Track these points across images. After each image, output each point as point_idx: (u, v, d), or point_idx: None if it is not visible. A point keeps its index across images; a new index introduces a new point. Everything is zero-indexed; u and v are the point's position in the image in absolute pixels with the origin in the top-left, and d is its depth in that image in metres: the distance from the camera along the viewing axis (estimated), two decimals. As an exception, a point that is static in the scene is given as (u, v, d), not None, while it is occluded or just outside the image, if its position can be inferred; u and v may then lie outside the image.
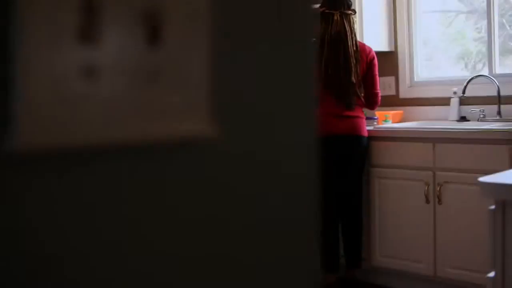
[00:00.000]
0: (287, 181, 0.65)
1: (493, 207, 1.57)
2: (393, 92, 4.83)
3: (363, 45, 3.96)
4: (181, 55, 0.53)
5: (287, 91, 0.65)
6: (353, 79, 3.80)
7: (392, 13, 4.78)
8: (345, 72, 3.79)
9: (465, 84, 4.14)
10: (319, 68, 3.82)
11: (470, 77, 4.16)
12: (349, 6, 3.91)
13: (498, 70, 4.32)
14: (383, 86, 4.81)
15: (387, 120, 4.43)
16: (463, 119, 4.32)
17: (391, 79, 4.83)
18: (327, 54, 3.80)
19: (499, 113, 4.15)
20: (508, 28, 4.10)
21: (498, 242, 1.54)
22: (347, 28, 3.84)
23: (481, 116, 4.23)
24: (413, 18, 4.74)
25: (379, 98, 4.01)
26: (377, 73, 3.98)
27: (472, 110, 4.27)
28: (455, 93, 4.39)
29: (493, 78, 4.16)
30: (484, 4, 4.24)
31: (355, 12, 3.94)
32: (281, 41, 0.64)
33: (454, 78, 4.49)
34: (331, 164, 3.87)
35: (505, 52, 4.18)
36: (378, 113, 4.54)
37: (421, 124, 4.33)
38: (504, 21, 4.12)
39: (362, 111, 3.97)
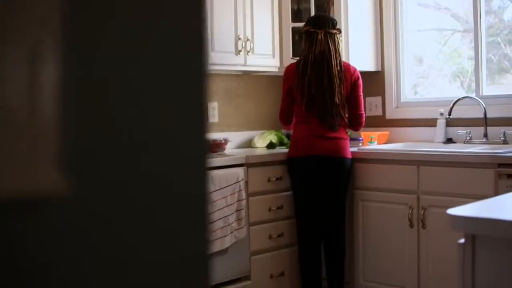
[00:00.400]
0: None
1: (462, 240, 1.48)
2: (379, 113, 4.75)
3: (348, 65, 3.89)
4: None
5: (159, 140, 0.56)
6: (337, 99, 3.73)
7: (379, 33, 4.72)
8: (329, 92, 3.72)
9: (451, 105, 4.06)
10: (302, 88, 3.74)
11: (456, 99, 4.08)
12: (333, 25, 3.84)
13: (485, 91, 4.25)
14: (370, 106, 4.74)
15: (372, 141, 4.35)
16: (449, 141, 4.24)
17: (377, 100, 4.76)
18: (311, 74, 3.73)
19: (485, 135, 4.08)
20: (504, 47, 4.02)
21: (467, 277, 1.45)
22: (332, 47, 3.77)
23: (468, 138, 4.15)
24: (400, 38, 4.67)
25: (364, 119, 3.92)
26: (361, 93, 3.90)
27: (458, 132, 4.20)
28: (441, 114, 4.31)
29: (480, 100, 4.09)
30: (491, 22, 4.16)
31: (340, 32, 3.87)
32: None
33: (442, 99, 4.42)
34: (313, 185, 3.78)
35: (500, 71, 4.11)
36: (363, 134, 4.46)
37: (406, 146, 4.25)
38: (499, 40, 4.04)
39: (346, 133, 3.88)
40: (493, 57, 4.09)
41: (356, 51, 4.50)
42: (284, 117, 3.96)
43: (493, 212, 1.50)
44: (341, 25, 4.36)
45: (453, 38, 4.31)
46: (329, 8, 4.53)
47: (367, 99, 4.79)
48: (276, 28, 4.39)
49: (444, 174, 3.55)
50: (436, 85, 4.52)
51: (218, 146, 4.13)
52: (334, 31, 3.82)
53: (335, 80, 3.73)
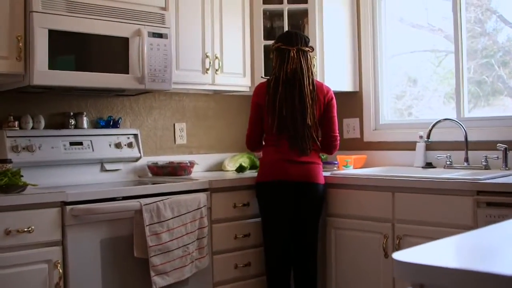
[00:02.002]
0: None
1: (411, 289, 1.24)
2: (357, 135, 4.52)
3: (321, 84, 3.66)
4: None
5: None
6: (309, 121, 3.49)
7: (357, 52, 4.51)
8: (300, 113, 3.49)
9: (430, 128, 3.84)
10: (273, 109, 3.51)
11: (435, 121, 3.85)
12: (306, 42, 3.61)
13: (467, 114, 4.03)
14: (347, 128, 4.52)
15: (347, 166, 4.11)
16: (428, 165, 4.01)
17: (355, 121, 4.54)
18: (282, 93, 3.50)
19: (466, 160, 3.85)
20: (497, 68, 3.82)
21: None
22: (304, 65, 3.54)
23: (448, 162, 3.92)
24: (379, 57, 4.46)
25: (338, 142, 3.69)
26: (335, 114, 3.67)
27: (438, 156, 3.97)
28: (421, 137, 4.09)
29: (460, 123, 3.86)
30: (474, 44, 3.98)
31: (312, 49, 3.65)
32: None
33: (422, 121, 4.20)
34: (283, 212, 3.54)
35: (494, 92, 3.92)
36: (339, 157, 4.22)
37: (382, 170, 4.01)
38: (493, 61, 3.85)
39: (319, 157, 3.65)
40: (486, 79, 3.88)
41: (332, 70, 4.28)
42: (252, 141, 3.71)
43: (445, 257, 1.26)
44: (316, 43, 4.15)
45: (446, 59, 4.11)
46: (304, 26, 4.32)
47: (344, 120, 4.57)
48: (247, 46, 4.17)
49: (421, 202, 3.31)
50: (432, 107, 4.28)
51: (183, 170, 3.88)
52: (307, 48, 3.59)
53: (307, 100, 3.50)
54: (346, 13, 4.45)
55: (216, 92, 4.40)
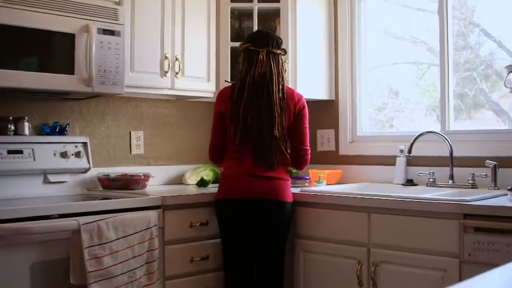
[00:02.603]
0: None
1: None
2: (332, 148, 4.15)
3: (292, 91, 3.28)
4: None
5: None
6: (276, 132, 3.11)
7: (334, 57, 4.14)
8: (267, 123, 3.10)
9: (411, 141, 3.47)
10: (235, 117, 3.12)
11: (417, 134, 3.48)
12: (278, 44, 3.24)
13: (452, 126, 3.67)
14: (322, 140, 4.15)
15: (320, 181, 3.73)
16: (409, 182, 3.64)
17: (330, 133, 4.16)
18: (247, 100, 3.12)
19: (451, 177, 3.48)
20: (479, 82, 3.59)
21: None
22: (274, 70, 3.16)
23: (431, 180, 3.55)
24: (357, 63, 4.09)
25: (308, 156, 3.31)
26: (306, 125, 3.29)
27: (420, 172, 3.59)
28: (401, 151, 3.72)
29: (445, 136, 3.50)
30: (457, 57, 3.71)
31: (285, 52, 3.27)
32: None
33: (404, 133, 3.83)
34: (245, 233, 3.14)
35: (476, 105, 3.68)
36: (311, 172, 3.84)
37: (358, 187, 3.64)
38: (475, 74, 3.59)
39: (287, 172, 3.26)
40: (469, 92, 3.58)
41: (306, 76, 3.91)
42: (215, 153, 3.33)
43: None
44: (289, 46, 3.78)
45: (429, 72, 3.88)
46: (275, 27, 3.94)
47: (318, 131, 4.19)
48: (212, 47, 3.79)
49: (400, 224, 2.94)
50: (413, 120, 4.00)
51: (136, 183, 3.48)
52: (279, 51, 3.21)
53: (276, 108, 3.12)
54: (322, 15, 4.08)
55: (178, 98, 4.01)
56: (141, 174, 3.52)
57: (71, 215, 2.76)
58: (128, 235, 2.87)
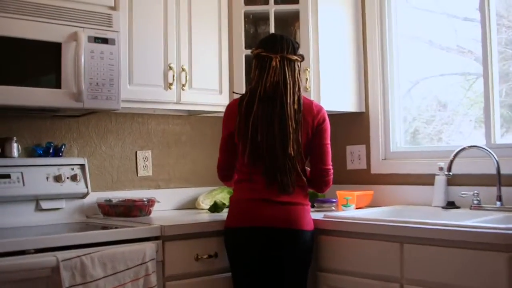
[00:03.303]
0: None
1: None
2: (363, 166, 3.70)
3: (310, 102, 2.86)
4: None
5: None
6: (291, 150, 2.69)
7: (363, 64, 3.70)
8: (281, 140, 2.69)
9: (451, 158, 3.00)
10: (244, 134, 2.71)
11: (458, 149, 3.01)
12: (294, 49, 2.82)
13: (499, 140, 3.19)
14: (351, 157, 3.72)
15: (348, 205, 3.27)
16: (450, 205, 3.17)
17: (360, 149, 3.72)
18: (257, 114, 2.70)
19: (499, 198, 3.00)
20: None
21: None
22: (289, 78, 2.74)
23: (475, 202, 3.07)
24: (389, 70, 3.65)
25: (331, 176, 2.88)
26: (328, 141, 2.87)
27: (463, 193, 3.11)
28: (441, 169, 3.26)
29: (491, 151, 3.02)
30: (506, 67, 3.30)
31: (302, 58, 2.85)
32: None
33: (444, 149, 3.37)
34: (259, 266, 2.72)
35: None
36: (339, 193, 3.40)
37: (391, 212, 3.19)
38: None
39: (306, 195, 2.83)
40: None
41: (330, 87, 3.48)
42: (224, 172, 2.94)
43: None
44: (310, 53, 3.38)
45: (477, 83, 3.45)
46: (295, 32, 3.54)
47: (348, 148, 3.76)
48: (224, 55, 3.40)
49: (438, 257, 2.47)
50: (462, 132, 3.59)
51: (139, 209, 3.10)
52: (295, 57, 2.80)
53: (290, 123, 2.70)
54: (347, 17, 3.66)
55: (191, 113, 3.63)
56: (145, 199, 3.13)
57: (50, 249, 2.38)
58: (119, 272, 2.48)
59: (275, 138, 2.68)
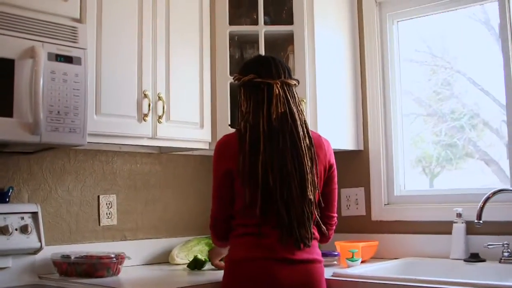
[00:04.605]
0: None
1: None
2: (362, 212, 3.23)
3: (318, 136, 2.39)
4: None
5: None
6: (310, 194, 2.19)
7: (361, 98, 3.27)
8: (298, 183, 2.18)
9: (480, 204, 2.55)
10: (251, 178, 2.17)
11: (490, 193, 2.58)
12: (289, 73, 2.35)
13: None
14: (347, 202, 3.25)
15: (354, 259, 2.77)
16: (474, 257, 2.71)
17: (359, 192, 3.25)
18: (265, 153, 2.18)
19: (534, 250, 2.57)
20: (469, 131, 3.00)
21: None
22: (294, 108, 2.26)
23: (505, 254, 2.63)
24: (391, 102, 3.21)
25: (335, 226, 2.43)
26: (336, 186, 2.41)
27: (490, 244, 2.66)
28: (459, 215, 2.81)
29: (524, 195, 2.60)
30: (443, 107, 3.05)
31: (298, 83, 2.36)
32: None
33: (459, 192, 2.94)
34: None
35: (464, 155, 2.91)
36: (339, 245, 2.90)
37: (404, 266, 2.73)
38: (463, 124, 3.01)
39: (319, 249, 2.32)
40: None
41: (327, 121, 3.02)
42: (222, 229, 2.33)
43: None
44: (306, 80, 2.94)
45: (416, 123, 3.21)
46: (287, 57, 3.07)
47: (344, 191, 3.30)
48: (206, 83, 2.90)
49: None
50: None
51: (105, 268, 2.51)
52: (293, 81, 2.32)
53: (306, 161, 2.20)
54: (344, 41, 3.22)
55: (162, 151, 3.10)
56: (113, 255, 2.55)
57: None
58: None
59: (291, 181, 2.17)
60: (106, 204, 2.90)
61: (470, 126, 3.04)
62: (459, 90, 3.06)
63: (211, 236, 2.39)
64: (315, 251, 2.24)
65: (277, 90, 2.24)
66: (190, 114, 2.83)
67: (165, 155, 3.15)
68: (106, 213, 2.90)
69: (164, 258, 3.03)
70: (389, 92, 3.21)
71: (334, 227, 2.42)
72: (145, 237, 3.03)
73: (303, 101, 2.87)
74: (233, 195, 2.24)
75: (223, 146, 2.28)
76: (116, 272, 2.56)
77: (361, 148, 3.23)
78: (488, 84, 2.96)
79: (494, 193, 2.57)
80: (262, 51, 2.93)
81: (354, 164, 3.26)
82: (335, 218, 2.42)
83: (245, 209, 2.19)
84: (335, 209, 2.41)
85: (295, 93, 2.31)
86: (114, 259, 2.54)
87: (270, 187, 2.15)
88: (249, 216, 2.19)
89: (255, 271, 2.15)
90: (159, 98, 2.68)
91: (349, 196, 3.27)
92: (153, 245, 3.04)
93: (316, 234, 2.27)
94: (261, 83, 2.27)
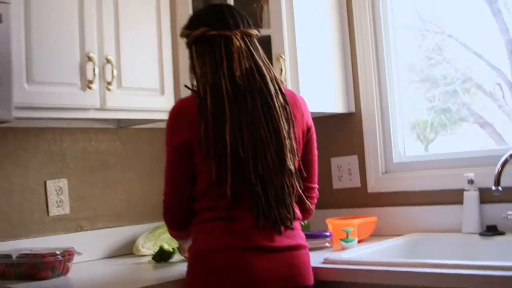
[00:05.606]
0: None
1: None
2: (356, 183, 2.80)
3: (292, 93, 1.96)
4: None
5: None
6: (289, 163, 1.77)
7: (349, 52, 2.82)
8: (275, 151, 1.76)
9: (498, 168, 2.12)
10: (216, 149, 1.74)
11: (508, 154, 2.14)
12: (248, 21, 1.91)
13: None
14: (339, 173, 2.83)
15: (349, 239, 2.34)
16: (491, 230, 2.29)
17: (351, 161, 2.82)
18: (233, 118, 1.74)
19: None
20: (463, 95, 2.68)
21: None
22: (260, 61, 1.83)
23: (529, 226, 2.21)
24: (385, 57, 2.77)
25: (316, 199, 2.02)
26: (316, 151, 1.99)
27: (509, 213, 2.24)
28: (471, 182, 2.39)
29: (549, 154, 2.17)
30: (435, 72, 2.72)
31: (259, 33, 1.90)
32: None
33: (467, 155, 2.52)
34: None
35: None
36: (331, 223, 2.48)
37: (409, 244, 2.32)
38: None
39: (303, 233, 1.90)
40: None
41: (311, 81, 2.58)
42: (177, 214, 1.91)
43: None
44: (284, 35, 2.51)
45: (409, 89, 2.88)
46: (261, 8, 2.62)
47: (333, 160, 2.87)
48: (166, 42, 2.46)
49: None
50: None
51: (49, 269, 2.08)
52: (254, 31, 1.88)
53: (282, 124, 1.77)
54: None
55: (121, 126, 2.66)
56: (58, 252, 2.12)
57: None
58: None
59: (266, 150, 1.74)
60: (56, 190, 2.46)
61: (463, 90, 2.79)
62: (450, 55, 2.83)
63: (165, 223, 1.96)
64: (298, 234, 1.83)
65: (237, 42, 1.81)
66: (147, 78, 2.39)
67: (124, 130, 2.71)
68: (56, 201, 2.46)
69: (129, 250, 2.61)
70: (383, 47, 2.77)
71: (316, 200, 2.02)
72: (105, 226, 2.60)
73: (281, 57, 2.44)
74: (192, 172, 1.81)
75: (178, 113, 1.84)
76: (64, 271, 2.13)
77: (352, 110, 2.79)
78: (480, 47, 2.73)
79: (513, 155, 2.13)
80: (231, 1, 2.48)
81: (345, 129, 2.82)
82: (316, 189, 2.02)
83: (211, 188, 1.76)
84: (316, 179, 2.01)
85: (258, 45, 1.87)
86: (60, 256, 2.11)
87: (241, 160, 1.72)
88: (217, 196, 1.76)
89: (225, 263, 1.72)
90: (107, 61, 2.24)
91: (340, 166, 2.83)
92: (115, 235, 2.61)
93: (299, 213, 1.85)
94: (216, 36, 1.82)
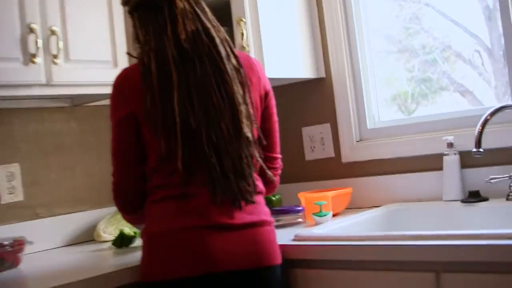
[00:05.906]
0: None
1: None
2: (329, 153, 2.64)
3: (247, 56, 1.82)
4: None
5: None
6: (247, 131, 1.61)
7: (316, 11, 2.64)
8: (230, 118, 1.61)
9: (479, 128, 1.96)
10: (165, 121, 1.58)
11: (488, 113, 1.99)
12: None
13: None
14: (311, 142, 2.67)
15: (322, 213, 2.19)
16: (473, 196, 2.15)
17: (324, 130, 2.66)
18: (181, 85, 1.58)
19: (549, 181, 2.01)
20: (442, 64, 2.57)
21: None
22: (208, 23, 1.65)
23: (513, 190, 2.07)
24: (355, 16, 2.60)
25: (280, 170, 1.88)
26: (276, 118, 1.82)
27: (493, 177, 2.09)
28: (450, 145, 2.24)
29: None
30: (414, 42, 2.59)
31: None
32: None
33: (445, 117, 2.37)
34: None
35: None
36: (304, 196, 2.32)
37: (387, 216, 2.18)
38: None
39: (266, 204, 1.74)
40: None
41: (275, 44, 2.41)
42: (128, 195, 1.76)
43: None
44: (245, 0, 2.29)
45: (387, 60, 2.74)
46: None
47: (305, 130, 2.70)
48: (117, 9, 2.27)
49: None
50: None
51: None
52: None
53: (236, 88, 1.61)
54: None
55: (75, 103, 2.48)
56: (7, 243, 1.95)
57: None
58: None
59: (220, 118, 1.58)
60: (6, 176, 2.29)
61: (442, 59, 2.68)
62: (428, 23, 2.73)
63: (116, 205, 1.79)
64: (261, 210, 1.67)
65: (181, 4, 1.63)
66: (98, 50, 2.21)
67: (80, 108, 2.53)
68: (7, 188, 2.29)
69: (90, 236, 2.45)
70: (351, 6, 2.60)
71: (279, 171, 1.88)
72: (64, 212, 2.43)
73: (242, 20, 2.26)
74: (141, 148, 1.65)
75: (120, 83, 1.69)
76: (15, 263, 1.96)
77: (322, 75, 2.62)
78: (458, 15, 2.62)
79: (494, 113, 1.97)
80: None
81: (315, 96, 2.66)
82: (280, 160, 1.88)
83: (161, 164, 1.61)
84: (279, 149, 1.87)
85: (205, 7, 1.70)
86: (8, 247, 1.94)
87: (192, 130, 1.57)
88: (168, 173, 1.61)
89: (181, 246, 1.57)
90: (52, 33, 2.05)
91: (312, 136, 2.67)
92: (75, 221, 2.44)
93: (261, 186, 1.70)
94: (158, 0, 1.64)
